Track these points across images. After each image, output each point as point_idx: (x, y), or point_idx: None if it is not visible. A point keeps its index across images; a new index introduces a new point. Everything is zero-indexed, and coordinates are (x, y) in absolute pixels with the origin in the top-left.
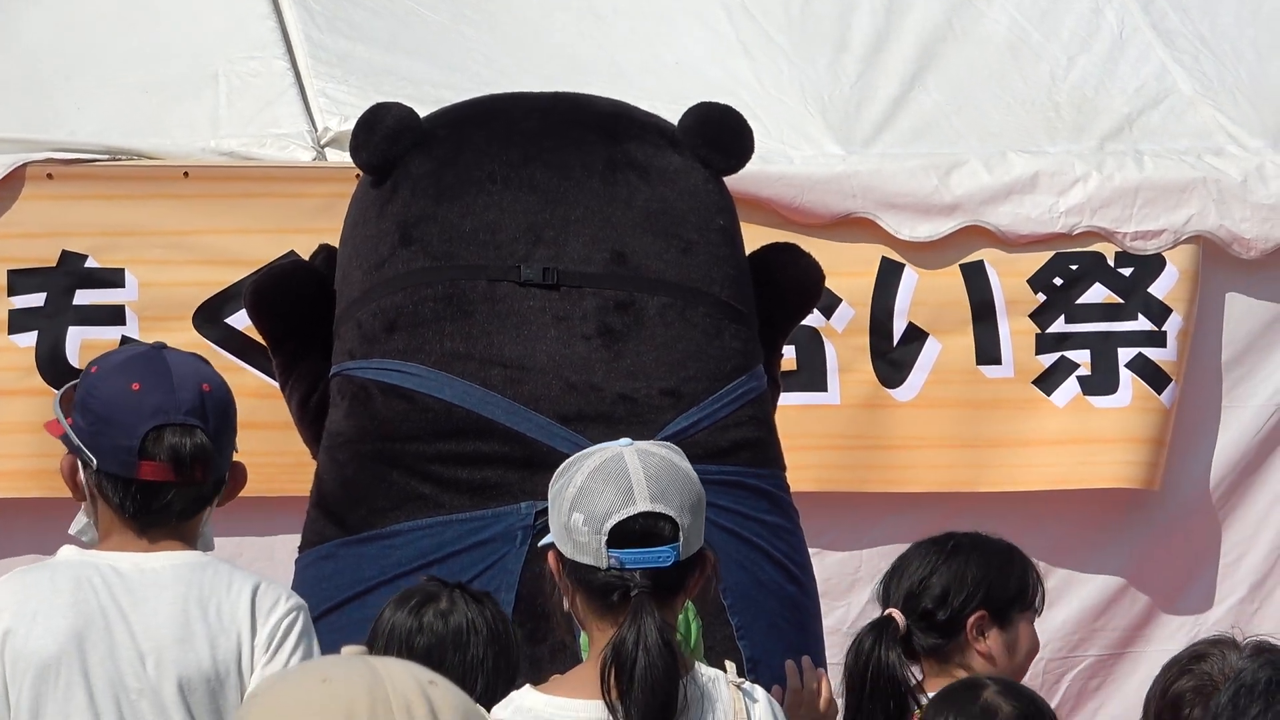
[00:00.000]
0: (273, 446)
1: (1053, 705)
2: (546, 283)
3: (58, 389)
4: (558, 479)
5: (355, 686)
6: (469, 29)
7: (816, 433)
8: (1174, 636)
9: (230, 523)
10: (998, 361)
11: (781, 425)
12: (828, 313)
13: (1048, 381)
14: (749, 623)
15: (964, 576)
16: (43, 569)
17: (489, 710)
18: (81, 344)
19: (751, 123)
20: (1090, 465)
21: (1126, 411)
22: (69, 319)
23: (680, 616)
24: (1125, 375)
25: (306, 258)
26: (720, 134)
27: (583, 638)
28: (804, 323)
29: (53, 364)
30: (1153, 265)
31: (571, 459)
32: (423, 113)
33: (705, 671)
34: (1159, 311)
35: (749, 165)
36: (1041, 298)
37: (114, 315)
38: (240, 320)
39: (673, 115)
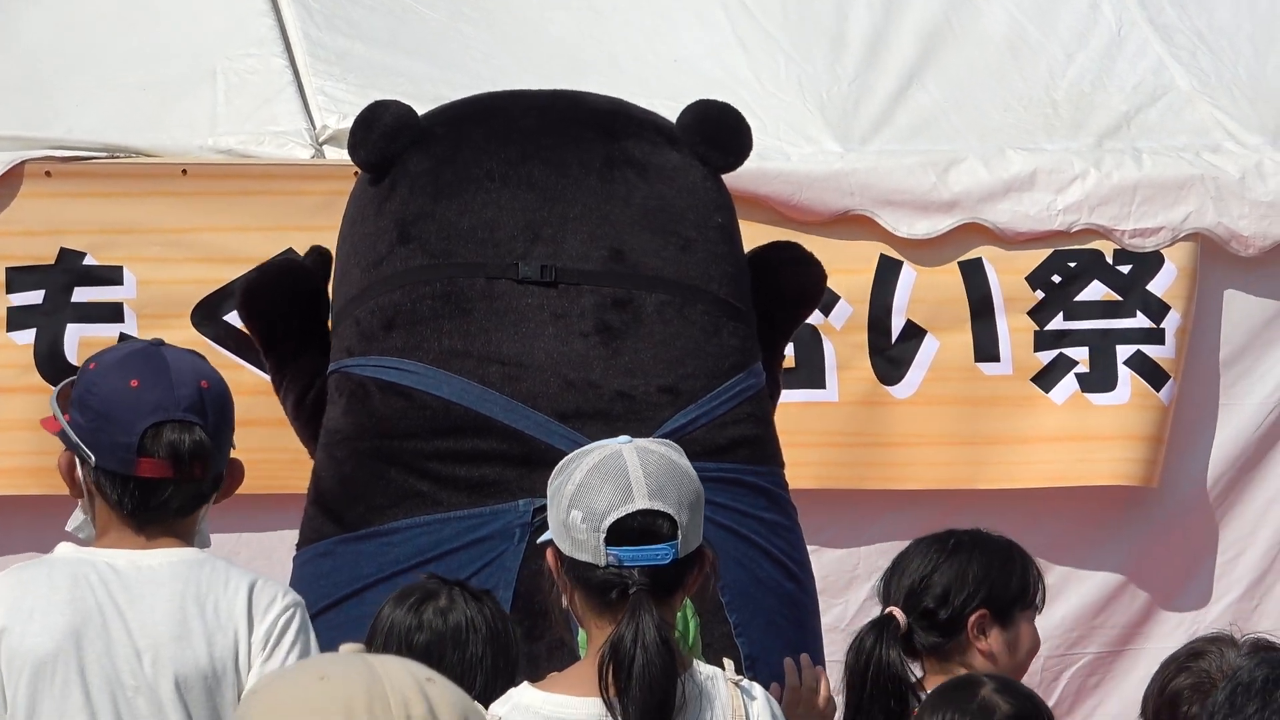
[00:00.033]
0: (271, 443)
1: (1051, 702)
2: (545, 280)
3: (56, 386)
4: (557, 476)
5: (353, 684)
6: (467, 27)
7: (815, 430)
8: (1172, 634)
9: (228, 519)
10: (996, 359)
11: (780, 422)
12: (826, 310)
13: (1046, 379)
14: (747, 620)
15: (965, 575)
16: (40, 566)
17: (487, 708)
18: (80, 341)
19: (750, 120)
20: (1088, 462)
21: (1125, 409)
22: (67, 316)
23: (678, 614)
24: (1124, 372)
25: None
26: (718, 131)
27: (580, 635)
28: None
29: (51, 361)
30: (1151, 263)
31: (570, 456)
32: (421, 110)
33: (703, 669)
34: (1157, 309)
35: (747, 162)
36: (1040, 295)
37: (112, 312)
38: (238, 317)
39: (671, 112)
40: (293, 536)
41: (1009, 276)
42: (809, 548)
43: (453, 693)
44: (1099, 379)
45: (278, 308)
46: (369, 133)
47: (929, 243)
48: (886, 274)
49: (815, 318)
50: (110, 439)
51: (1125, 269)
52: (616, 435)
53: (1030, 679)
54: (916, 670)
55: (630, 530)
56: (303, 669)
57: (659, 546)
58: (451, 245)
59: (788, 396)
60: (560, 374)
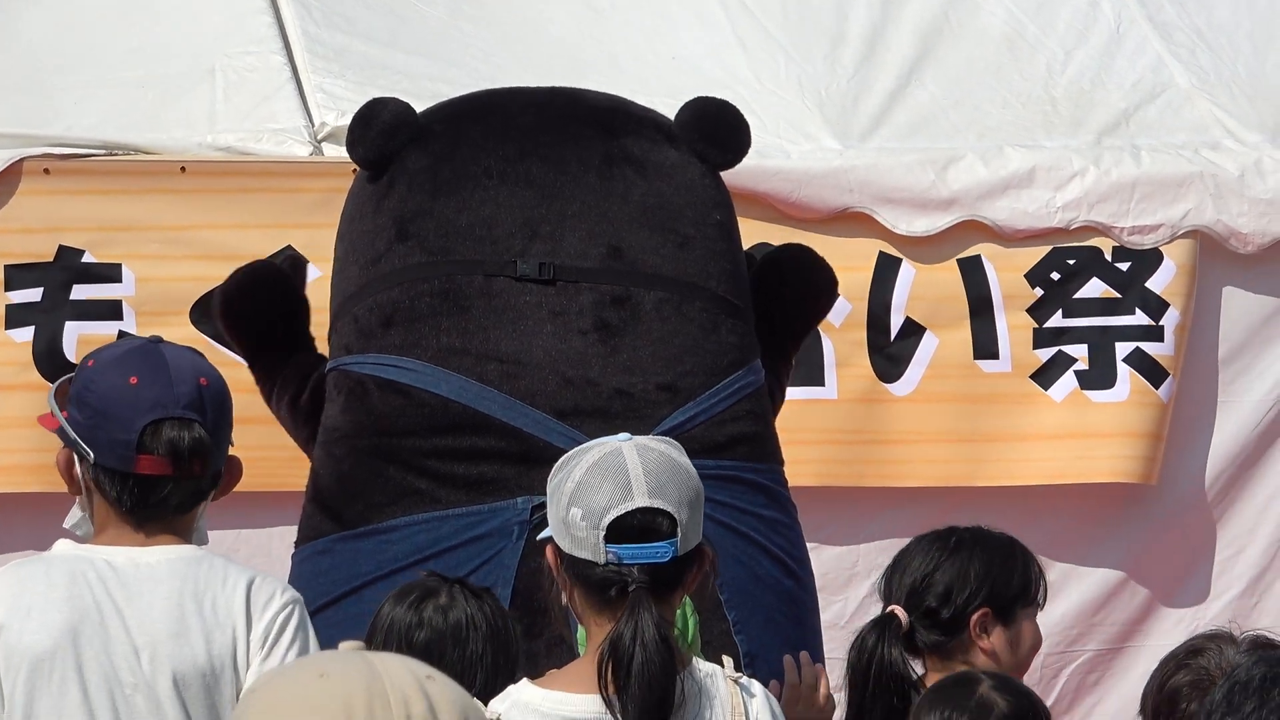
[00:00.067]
0: (270, 441)
1: (1051, 700)
2: (543, 278)
3: (54, 383)
4: (556, 473)
5: (353, 682)
6: (466, 24)
7: (814, 427)
8: (1172, 631)
9: (227, 516)
10: (995, 356)
11: (779, 420)
12: None
13: (1045, 376)
14: (746, 617)
15: (967, 574)
16: (37, 563)
17: (487, 705)
18: (79, 339)
19: (748, 117)
20: (1088, 460)
21: (1124, 406)
22: (66, 314)
23: (678, 611)
24: (1123, 370)
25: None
26: (717, 129)
27: (580, 632)
28: None
29: (50, 359)
30: (1150, 260)
31: (570, 453)
32: (419, 108)
33: (703, 667)
34: (1156, 306)
35: (746, 160)
36: (1039, 292)
37: (111, 310)
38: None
39: (670, 110)
40: (291, 534)
41: (1008, 274)
42: (808, 545)
43: (453, 690)
44: (1098, 376)
45: (260, 312)
46: (367, 130)
47: (928, 240)
48: (885, 271)
49: None
50: (109, 436)
51: (1124, 266)
52: (615, 433)
53: (1030, 677)
54: (918, 668)
55: (630, 528)
56: (302, 666)
57: (658, 544)
58: (450, 243)
59: (787, 393)
60: (558, 371)
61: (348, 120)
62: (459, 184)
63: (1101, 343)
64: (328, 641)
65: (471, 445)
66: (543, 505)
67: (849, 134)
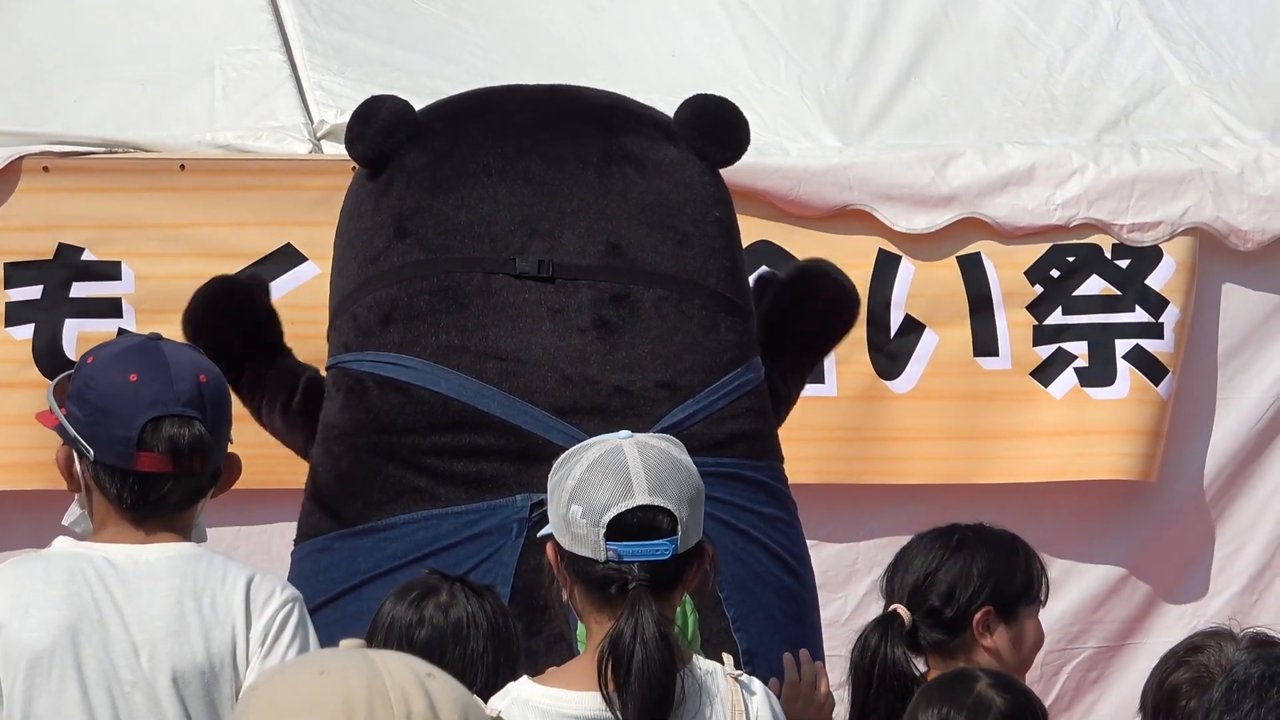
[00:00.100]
0: (269, 438)
1: (1051, 697)
2: (542, 275)
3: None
4: (557, 470)
5: (353, 679)
6: (465, 21)
7: (814, 425)
8: (1172, 628)
9: (227, 514)
10: (995, 353)
11: None
12: None
13: (1045, 373)
14: (745, 615)
15: (969, 573)
16: (36, 560)
17: (488, 703)
18: (78, 336)
19: (747, 115)
20: (1087, 457)
21: (1124, 403)
22: (66, 311)
23: (678, 609)
24: (1123, 367)
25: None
26: (716, 126)
27: (579, 629)
28: None
29: (50, 356)
30: (1150, 257)
31: (571, 451)
32: (418, 105)
33: (703, 664)
34: (1156, 303)
35: (745, 157)
36: (1038, 289)
37: (111, 308)
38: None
39: (669, 107)
40: (291, 531)
41: (1007, 271)
42: (808, 542)
43: (453, 688)
44: (1098, 373)
45: (229, 321)
46: (366, 128)
47: (927, 237)
48: (885, 268)
49: None
50: (109, 433)
51: (1124, 263)
52: (614, 430)
53: (1031, 674)
54: (920, 666)
55: (630, 525)
56: (303, 664)
57: (659, 542)
58: (449, 240)
59: None
60: (558, 369)
61: (347, 118)
62: (458, 181)
63: (1101, 340)
64: (327, 639)
65: (471, 443)
66: (542, 503)
67: (848, 131)
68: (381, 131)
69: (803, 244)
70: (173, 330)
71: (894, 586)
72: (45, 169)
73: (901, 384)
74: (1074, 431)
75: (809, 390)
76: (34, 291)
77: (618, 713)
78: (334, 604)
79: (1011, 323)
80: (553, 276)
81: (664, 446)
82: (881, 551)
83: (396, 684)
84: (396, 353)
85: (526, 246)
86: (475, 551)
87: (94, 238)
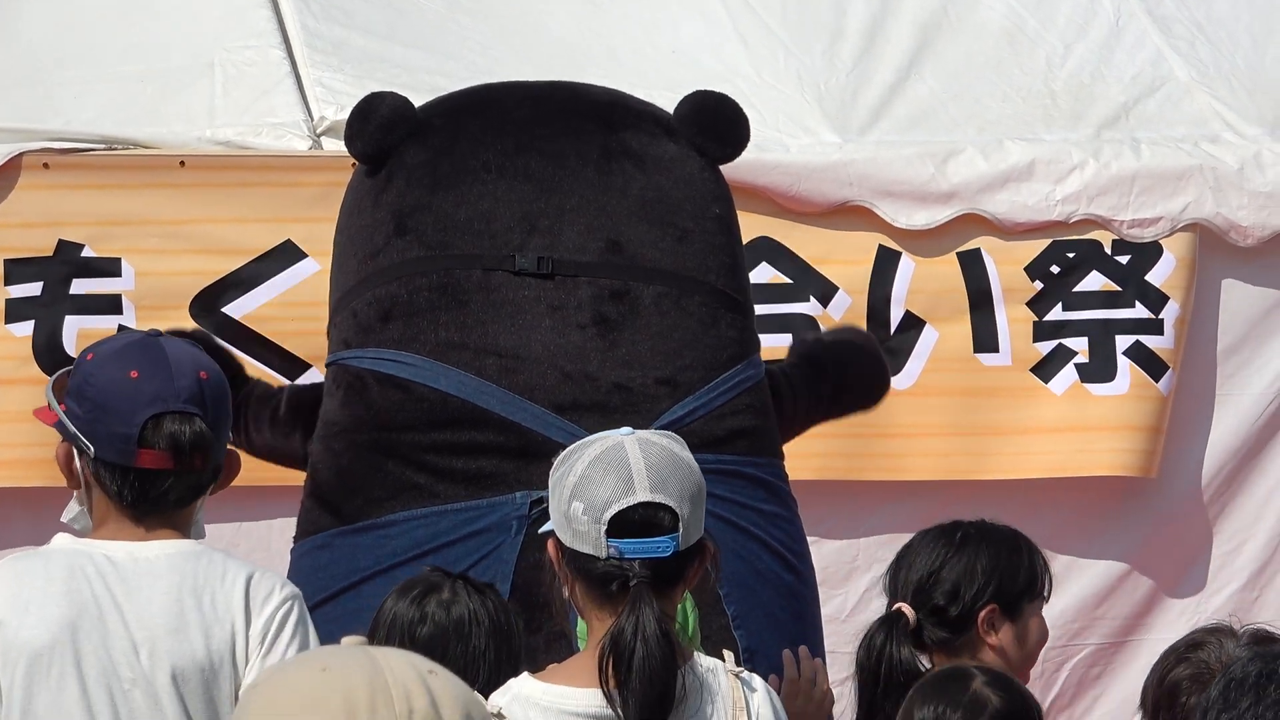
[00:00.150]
0: None
1: (1052, 694)
2: (541, 272)
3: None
4: (558, 467)
5: (355, 676)
6: (465, 17)
7: None
8: (1173, 625)
9: (227, 510)
10: (995, 350)
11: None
12: (824, 301)
13: (1045, 369)
14: (745, 612)
15: (974, 570)
16: (36, 557)
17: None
18: (78, 333)
19: (748, 111)
20: (1088, 453)
21: (1124, 399)
22: (66, 308)
23: (678, 606)
24: (1123, 363)
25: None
26: (716, 122)
27: (580, 625)
28: (800, 310)
29: (50, 353)
30: (1150, 253)
31: (572, 447)
32: (418, 102)
33: (704, 661)
34: (1156, 299)
35: (745, 153)
36: (1039, 285)
37: (111, 304)
38: (237, 309)
39: (669, 104)
40: (291, 527)
41: (1008, 267)
42: (808, 539)
43: (455, 685)
44: (1098, 369)
45: None
46: (365, 124)
47: (927, 233)
48: (885, 265)
49: (814, 308)
50: (109, 430)
51: (1124, 259)
52: (614, 427)
53: (1032, 671)
54: (925, 663)
55: (631, 522)
56: (304, 661)
57: (660, 539)
58: (448, 237)
59: None
60: (557, 366)
61: (346, 114)
62: (457, 178)
63: (1101, 336)
64: (327, 637)
65: (470, 440)
66: (541, 500)
67: (848, 127)
68: (381, 128)
69: (803, 240)
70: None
71: (897, 584)
72: (45, 166)
73: (902, 380)
74: (1074, 427)
75: None
76: (34, 288)
77: (619, 710)
78: (334, 601)
79: (1012, 319)
80: (552, 273)
81: (665, 443)
82: (882, 548)
83: (398, 681)
84: (396, 349)
85: (526, 243)
86: (475, 548)
87: (94, 234)
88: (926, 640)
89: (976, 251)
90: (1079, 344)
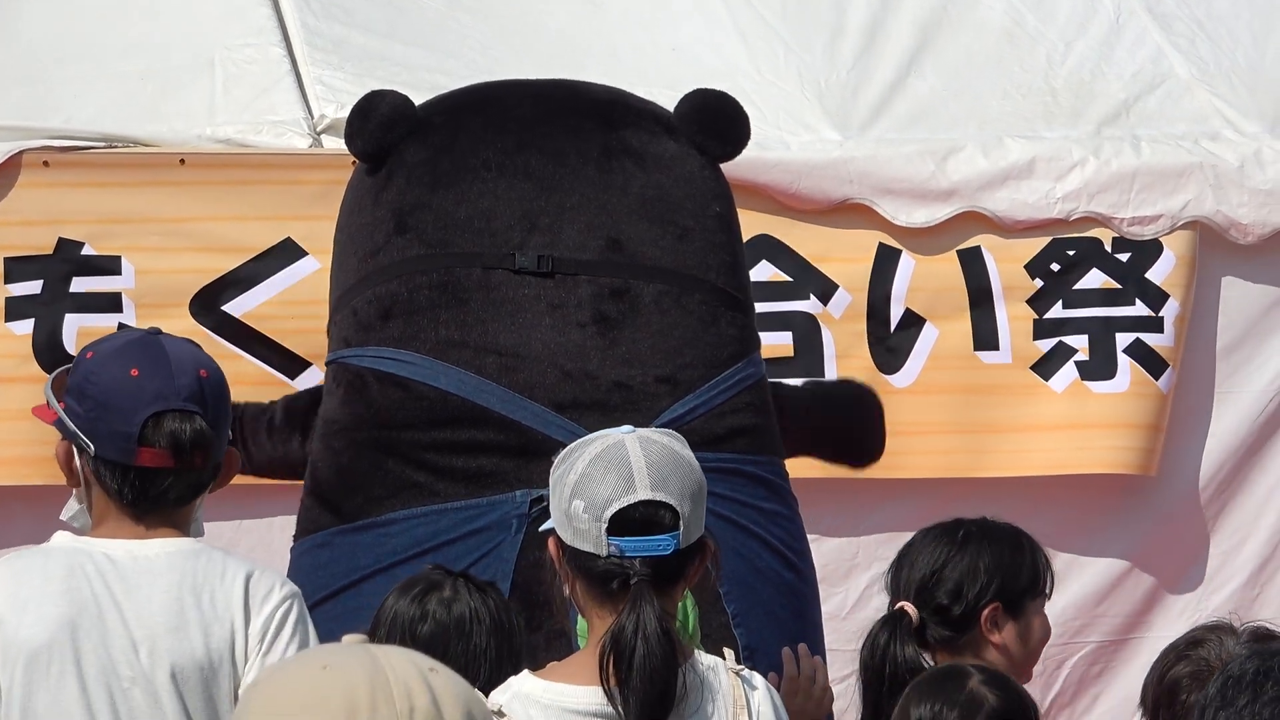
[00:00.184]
0: None
1: (1053, 692)
2: (541, 270)
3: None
4: (559, 465)
5: (356, 674)
6: (465, 15)
7: None
8: (1173, 623)
9: (227, 508)
10: (995, 347)
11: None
12: (825, 299)
13: (1045, 367)
14: (745, 610)
15: (976, 569)
16: (35, 555)
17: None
18: (79, 331)
19: (748, 109)
20: (1088, 451)
21: (1124, 397)
22: (66, 306)
23: (678, 604)
24: (1123, 360)
25: (299, 246)
26: (716, 120)
27: (580, 623)
28: (801, 309)
29: (50, 351)
30: (1150, 250)
31: (573, 445)
32: (418, 100)
33: (704, 659)
34: (1156, 297)
35: (746, 151)
36: (1039, 283)
37: (111, 302)
38: (237, 308)
39: (669, 102)
40: (291, 525)
41: (1008, 265)
42: (808, 537)
43: (456, 683)
44: (1098, 367)
45: None
46: (365, 122)
47: (928, 231)
48: (885, 262)
49: (814, 307)
50: (110, 428)
51: (1124, 257)
52: (614, 426)
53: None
54: (928, 662)
55: (632, 520)
56: (305, 659)
57: (660, 537)
58: (448, 235)
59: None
60: (557, 364)
61: (347, 112)
62: (457, 176)
63: (1101, 334)
64: (327, 635)
65: (470, 438)
66: (541, 498)
67: (849, 125)
68: (381, 126)
69: (803, 238)
70: (173, 324)
71: (899, 582)
72: (45, 164)
73: (902, 378)
74: (1074, 425)
75: None
76: (34, 286)
77: (619, 707)
78: (334, 599)
79: (1012, 316)
80: (552, 271)
81: (666, 441)
82: (882, 546)
83: (399, 679)
84: (396, 348)
85: (526, 241)
86: (475, 547)
87: (94, 232)
88: (929, 639)
89: (977, 249)
90: (1079, 342)
